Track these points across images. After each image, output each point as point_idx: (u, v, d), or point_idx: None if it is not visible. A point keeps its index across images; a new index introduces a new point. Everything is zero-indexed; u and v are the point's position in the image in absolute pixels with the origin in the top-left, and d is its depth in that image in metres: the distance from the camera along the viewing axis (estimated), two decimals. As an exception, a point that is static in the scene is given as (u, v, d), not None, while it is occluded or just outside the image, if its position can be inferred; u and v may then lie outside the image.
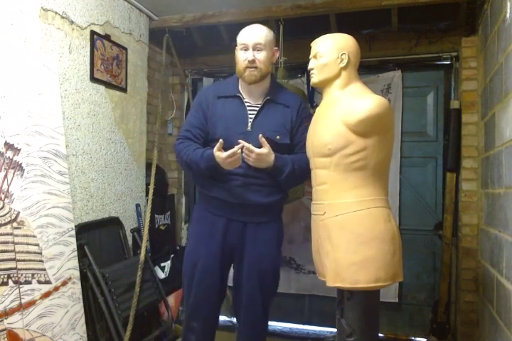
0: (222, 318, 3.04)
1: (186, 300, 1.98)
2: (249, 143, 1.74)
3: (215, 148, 1.72)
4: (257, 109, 1.87)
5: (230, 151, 1.68)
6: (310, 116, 1.97)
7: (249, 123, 1.85)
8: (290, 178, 1.86)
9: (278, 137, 1.86)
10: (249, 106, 1.88)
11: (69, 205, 2.04)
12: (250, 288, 1.89)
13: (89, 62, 2.30)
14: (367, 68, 2.84)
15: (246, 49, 1.81)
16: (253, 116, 1.86)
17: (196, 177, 1.97)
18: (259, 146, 1.76)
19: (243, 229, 1.88)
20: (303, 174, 1.88)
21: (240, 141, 1.73)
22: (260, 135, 1.75)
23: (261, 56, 1.81)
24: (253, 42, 1.80)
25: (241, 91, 1.90)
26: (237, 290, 1.95)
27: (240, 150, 1.70)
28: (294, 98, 1.98)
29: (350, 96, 1.63)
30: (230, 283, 2.04)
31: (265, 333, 2.02)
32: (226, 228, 1.88)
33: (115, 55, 2.51)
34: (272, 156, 1.78)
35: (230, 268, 1.99)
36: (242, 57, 1.82)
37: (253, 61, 1.79)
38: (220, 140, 1.71)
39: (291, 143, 1.92)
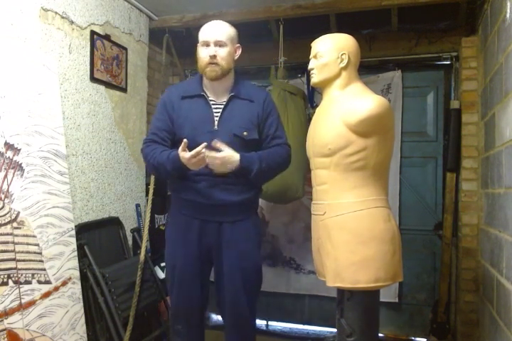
0: (220, 318, 3.05)
1: (170, 303, 1.96)
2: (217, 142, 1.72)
3: (180, 149, 1.68)
4: (222, 106, 1.85)
5: (193, 151, 1.65)
6: (275, 109, 1.95)
7: (216, 122, 1.82)
8: (259, 176, 1.82)
9: (245, 133, 1.83)
10: (213, 104, 1.85)
11: (69, 205, 2.04)
12: (233, 289, 1.84)
13: (89, 62, 2.30)
14: (367, 68, 2.83)
15: (207, 45, 1.81)
16: (219, 114, 1.83)
17: (168, 180, 1.95)
18: (227, 145, 1.73)
19: (219, 228, 1.85)
20: (272, 170, 1.86)
21: (204, 144, 1.67)
22: (214, 140, 1.71)
23: (222, 52, 1.79)
24: (214, 40, 1.79)
25: (205, 89, 1.88)
26: (220, 291, 1.91)
27: (203, 150, 1.66)
28: (258, 92, 1.95)
29: (350, 96, 1.63)
30: None
31: (254, 332, 1.98)
32: (201, 229, 1.84)
33: (115, 55, 2.51)
34: (237, 157, 1.74)
35: (211, 268, 1.95)
36: (203, 53, 1.81)
37: (214, 56, 1.78)
38: (184, 140, 1.68)
39: (260, 137, 1.89)
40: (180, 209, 1.91)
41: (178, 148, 1.73)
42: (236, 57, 1.89)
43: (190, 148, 1.68)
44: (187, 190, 1.84)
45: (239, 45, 1.89)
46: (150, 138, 1.89)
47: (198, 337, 1.96)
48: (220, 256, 1.86)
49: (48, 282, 1.86)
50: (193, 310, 1.90)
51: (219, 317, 3.09)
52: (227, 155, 1.72)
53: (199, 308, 1.92)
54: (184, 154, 1.67)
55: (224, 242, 1.85)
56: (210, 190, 1.80)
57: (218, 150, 1.71)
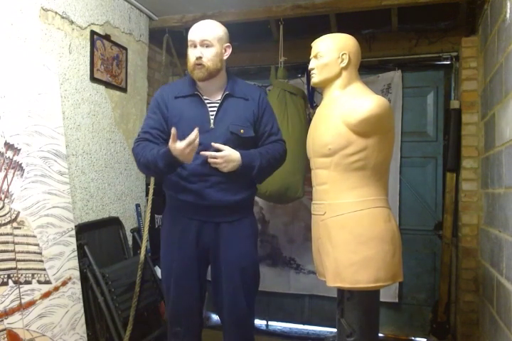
0: (217, 317, 3.04)
1: (166, 305, 1.93)
2: (214, 141, 1.74)
3: (170, 141, 1.62)
4: (217, 105, 1.83)
5: (186, 140, 1.60)
6: (270, 106, 1.95)
7: (212, 121, 1.81)
8: (261, 173, 1.83)
9: (242, 131, 1.82)
10: (208, 103, 1.84)
11: (69, 205, 2.04)
12: (232, 289, 1.83)
13: (89, 62, 2.30)
14: (367, 68, 2.83)
15: (194, 46, 1.78)
16: (214, 113, 1.82)
17: (164, 180, 1.92)
18: (224, 143, 1.75)
19: (216, 229, 1.84)
20: (271, 166, 1.88)
21: (196, 129, 1.63)
22: (212, 143, 1.74)
23: (208, 53, 1.76)
24: (200, 39, 1.76)
25: (198, 89, 1.86)
26: (217, 291, 1.89)
27: (197, 139, 1.62)
28: (252, 90, 1.95)
29: (350, 96, 1.63)
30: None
31: (253, 331, 1.96)
32: (199, 230, 1.83)
33: (115, 55, 2.50)
34: (237, 155, 1.75)
35: (207, 268, 1.94)
36: (190, 54, 1.79)
37: (199, 58, 1.75)
38: (173, 130, 1.62)
39: (256, 135, 1.89)
40: (176, 210, 1.90)
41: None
42: (225, 57, 1.85)
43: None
44: (183, 191, 1.82)
45: (229, 44, 1.85)
46: (142, 137, 1.84)
47: (196, 337, 1.95)
48: (217, 256, 1.85)
49: (48, 282, 1.86)
50: (193, 311, 1.89)
51: (215, 317, 3.08)
52: (227, 154, 1.73)
53: (198, 309, 1.91)
54: (176, 145, 1.62)
55: (222, 242, 1.84)
56: (206, 190, 1.79)
57: (218, 151, 1.73)
